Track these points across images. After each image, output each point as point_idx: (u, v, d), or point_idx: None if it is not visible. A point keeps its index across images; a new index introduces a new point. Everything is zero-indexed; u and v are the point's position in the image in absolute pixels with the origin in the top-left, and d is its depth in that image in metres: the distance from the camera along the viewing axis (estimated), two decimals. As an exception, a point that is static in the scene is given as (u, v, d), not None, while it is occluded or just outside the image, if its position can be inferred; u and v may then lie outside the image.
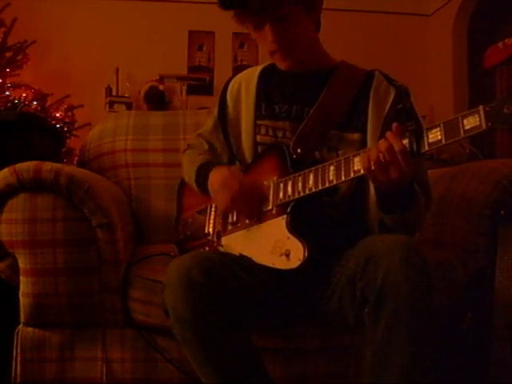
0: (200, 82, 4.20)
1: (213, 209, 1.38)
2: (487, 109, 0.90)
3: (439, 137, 0.96)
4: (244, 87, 1.43)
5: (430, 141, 0.98)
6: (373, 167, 1.03)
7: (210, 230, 1.36)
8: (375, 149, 1.04)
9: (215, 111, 1.48)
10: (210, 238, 1.34)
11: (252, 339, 1.14)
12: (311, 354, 1.35)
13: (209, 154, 1.46)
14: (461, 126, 0.93)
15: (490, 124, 0.90)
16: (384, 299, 1.00)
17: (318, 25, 1.35)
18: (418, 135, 1.00)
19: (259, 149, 1.37)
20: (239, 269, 1.16)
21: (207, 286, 1.06)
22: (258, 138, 1.37)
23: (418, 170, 1.22)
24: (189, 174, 1.43)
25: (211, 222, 1.37)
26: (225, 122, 1.45)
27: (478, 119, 0.91)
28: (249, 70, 1.48)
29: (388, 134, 1.04)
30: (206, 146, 1.49)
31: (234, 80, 1.47)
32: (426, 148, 0.99)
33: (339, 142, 1.28)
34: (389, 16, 4.51)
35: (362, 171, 1.07)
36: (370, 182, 1.24)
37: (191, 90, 4.15)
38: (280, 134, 1.33)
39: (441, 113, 4.18)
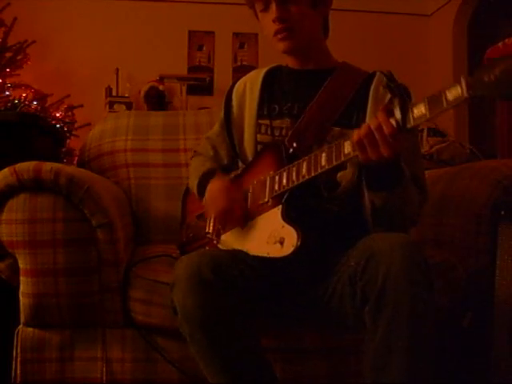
0: (200, 82, 4.21)
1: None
2: (468, 79, 0.91)
3: (423, 111, 0.97)
4: (249, 88, 1.46)
5: (415, 116, 0.99)
6: (363, 141, 1.04)
7: (211, 229, 1.36)
8: (365, 126, 1.05)
9: (222, 113, 1.51)
10: (209, 235, 1.35)
11: (260, 339, 1.14)
12: (311, 353, 1.35)
13: (213, 160, 1.49)
14: (443, 98, 0.94)
15: (471, 92, 0.90)
16: (385, 298, 1.00)
17: (327, 29, 1.40)
18: (404, 112, 1.01)
19: (259, 148, 1.39)
20: (245, 266, 1.16)
21: (217, 284, 1.06)
22: (258, 137, 1.39)
23: (413, 165, 1.25)
24: (192, 183, 1.46)
25: (211, 221, 1.37)
26: (229, 122, 1.47)
27: (459, 89, 0.92)
28: (255, 71, 1.52)
29: (377, 113, 1.05)
30: (211, 152, 1.51)
31: (240, 81, 1.50)
32: (412, 123, 1.00)
33: (336, 138, 1.29)
34: (389, 16, 4.52)
35: (351, 154, 1.08)
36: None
37: (191, 90, 4.16)
38: (277, 133, 1.35)
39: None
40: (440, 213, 1.65)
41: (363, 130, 1.05)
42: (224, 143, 1.49)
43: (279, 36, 1.31)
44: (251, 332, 1.12)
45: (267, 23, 1.33)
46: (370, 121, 1.05)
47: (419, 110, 0.98)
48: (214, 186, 1.32)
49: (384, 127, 1.02)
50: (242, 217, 1.26)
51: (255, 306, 1.17)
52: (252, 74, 1.50)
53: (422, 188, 1.26)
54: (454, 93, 0.92)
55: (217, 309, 1.06)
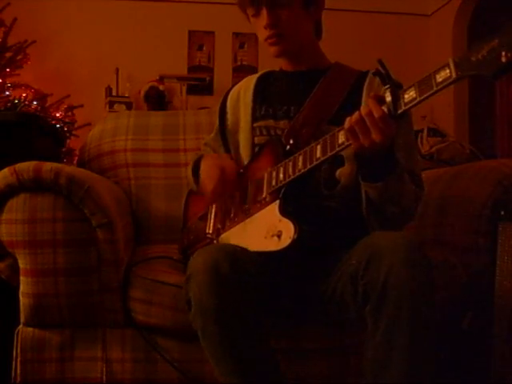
0: (200, 82, 4.20)
1: (213, 209, 1.39)
2: (456, 60, 0.92)
3: (414, 95, 0.99)
4: (242, 94, 1.48)
5: (405, 100, 1.00)
6: (355, 128, 1.06)
7: (211, 230, 1.36)
8: (356, 113, 1.07)
9: (216, 121, 1.53)
10: (209, 236, 1.35)
11: (270, 339, 1.13)
12: (311, 353, 1.35)
13: None
14: (433, 80, 0.95)
15: (459, 73, 0.91)
16: (386, 297, 1.00)
17: (319, 31, 1.42)
18: (395, 97, 1.02)
19: (256, 149, 1.40)
20: (257, 262, 1.15)
21: (234, 279, 1.05)
22: (256, 139, 1.41)
23: (409, 161, 1.26)
24: (188, 175, 1.48)
25: (211, 221, 1.38)
26: (224, 130, 1.50)
27: (448, 70, 0.93)
28: (248, 77, 1.54)
29: (368, 100, 1.07)
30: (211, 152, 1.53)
31: (234, 89, 1.53)
32: (403, 107, 1.01)
33: None
34: (389, 16, 4.52)
35: (345, 143, 1.09)
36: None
37: (191, 90, 4.15)
38: (274, 133, 1.37)
39: (441, 113, 4.18)
40: (440, 213, 1.65)
41: (354, 117, 1.06)
42: (221, 147, 1.52)
43: (269, 41, 1.33)
44: (263, 329, 1.11)
45: (259, 28, 1.34)
46: (361, 107, 1.06)
47: (410, 95, 0.99)
48: (207, 162, 1.35)
49: (374, 112, 1.03)
50: (236, 180, 1.28)
51: (267, 303, 1.16)
52: (245, 80, 1.53)
53: (418, 185, 1.26)
54: (442, 74, 0.93)
55: (232, 303, 1.05)
